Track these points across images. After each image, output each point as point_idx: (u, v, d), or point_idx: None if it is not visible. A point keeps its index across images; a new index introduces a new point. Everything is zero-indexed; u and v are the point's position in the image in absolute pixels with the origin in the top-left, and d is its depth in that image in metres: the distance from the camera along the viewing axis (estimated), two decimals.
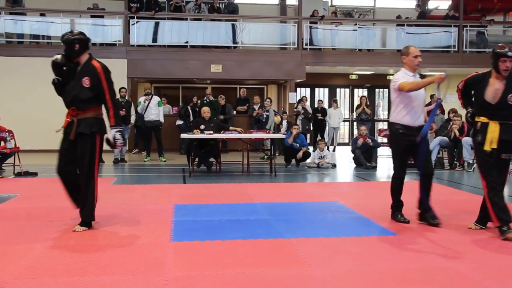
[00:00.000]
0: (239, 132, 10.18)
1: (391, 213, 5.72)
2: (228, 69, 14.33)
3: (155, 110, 11.85)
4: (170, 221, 5.57)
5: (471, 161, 10.84)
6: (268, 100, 13.59)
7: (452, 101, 17.06)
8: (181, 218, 5.73)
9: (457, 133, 11.08)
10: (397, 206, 5.71)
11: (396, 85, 5.33)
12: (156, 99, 12.03)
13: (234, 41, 14.84)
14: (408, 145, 5.42)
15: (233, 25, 14.83)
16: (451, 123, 11.45)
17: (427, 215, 5.49)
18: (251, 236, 4.97)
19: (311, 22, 14.93)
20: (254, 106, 13.54)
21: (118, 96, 11.59)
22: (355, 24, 15.61)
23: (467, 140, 10.84)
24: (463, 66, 15.36)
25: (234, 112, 14.46)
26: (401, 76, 5.43)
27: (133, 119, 11.99)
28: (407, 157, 5.64)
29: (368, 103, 15.13)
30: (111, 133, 5.14)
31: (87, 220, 5.15)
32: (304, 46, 14.63)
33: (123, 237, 4.89)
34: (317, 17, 15.01)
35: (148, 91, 12.05)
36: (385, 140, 15.00)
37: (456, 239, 4.93)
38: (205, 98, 12.87)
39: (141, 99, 12.18)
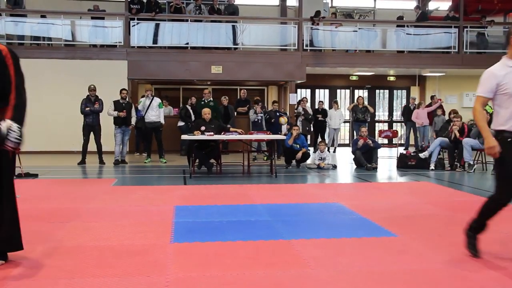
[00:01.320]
0: (240, 134, 10.19)
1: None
2: (229, 70, 14.35)
3: (155, 111, 11.86)
4: (171, 222, 5.57)
5: (471, 162, 10.84)
6: (275, 103, 13.53)
7: (452, 102, 17.12)
8: (182, 220, 5.73)
9: (458, 134, 11.07)
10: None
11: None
12: (157, 100, 12.03)
13: (235, 42, 14.86)
14: None
15: (233, 26, 14.84)
16: (451, 124, 11.44)
17: None
18: (252, 237, 4.97)
19: (311, 24, 14.94)
20: (253, 109, 13.54)
21: (119, 98, 11.67)
22: (356, 26, 15.62)
23: (467, 141, 10.85)
24: (463, 67, 15.38)
25: (235, 113, 14.48)
26: (492, 73, 4.32)
27: (133, 120, 12.00)
28: None
29: (365, 104, 15.08)
30: (2, 125, 3.65)
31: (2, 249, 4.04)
32: (304, 47, 14.63)
33: (124, 238, 4.89)
34: (317, 18, 15.02)
35: (149, 93, 12.05)
36: (385, 141, 15.02)
37: (459, 241, 4.92)
38: (203, 99, 12.86)
39: (142, 99, 12.20)
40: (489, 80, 4.20)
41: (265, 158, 12.69)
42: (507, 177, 4.21)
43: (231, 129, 10.40)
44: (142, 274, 3.82)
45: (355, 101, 15.31)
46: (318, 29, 15.21)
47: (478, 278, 3.81)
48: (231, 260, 4.21)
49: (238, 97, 15.50)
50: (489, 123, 11.24)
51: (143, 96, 12.31)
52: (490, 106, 16.04)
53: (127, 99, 12.01)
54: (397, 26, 15.80)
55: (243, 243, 4.77)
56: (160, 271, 3.90)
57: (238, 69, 14.42)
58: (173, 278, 3.76)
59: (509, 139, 4.12)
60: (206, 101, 12.81)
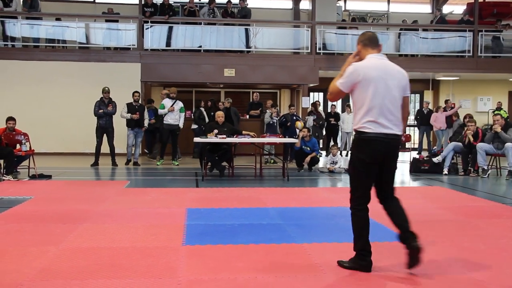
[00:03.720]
0: (252, 137, 10.20)
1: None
2: (241, 73, 14.37)
3: (175, 115, 11.90)
4: (183, 224, 5.58)
5: (485, 167, 10.75)
6: (292, 107, 13.43)
7: (466, 106, 16.99)
8: (194, 222, 5.74)
9: (472, 139, 10.99)
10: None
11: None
12: (179, 104, 12.06)
13: (248, 46, 14.88)
14: None
15: (246, 30, 14.87)
16: (465, 128, 11.36)
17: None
18: (264, 240, 4.96)
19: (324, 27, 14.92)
20: (268, 111, 13.53)
21: (132, 100, 11.73)
22: (370, 29, 15.57)
23: (481, 146, 10.76)
24: (477, 71, 15.28)
25: (247, 116, 14.50)
26: None
27: (146, 122, 12.03)
28: None
29: None
30: None
31: None
32: (317, 51, 14.62)
33: (136, 240, 4.91)
34: (332, 22, 15.02)
35: (173, 95, 12.07)
36: None
37: (472, 247, 4.88)
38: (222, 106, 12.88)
39: (165, 101, 12.16)
40: None
41: (272, 162, 12.66)
42: None
43: (244, 132, 10.41)
44: (154, 276, 3.83)
45: None
46: (330, 32, 15.20)
47: (489, 281, 3.77)
48: (242, 263, 4.21)
49: (251, 100, 15.51)
50: (505, 128, 11.07)
51: (167, 97, 12.24)
52: (505, 111, 15.94)
53: (139, 102, 12.07)
54: (410, 29, 15.73)
55: (255, 246, 4.76)
56: (172, 274, 3.91)
57: (250, 72, 14.43)
58: (184, 280, 3.76)
59: None
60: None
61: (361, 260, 4.02)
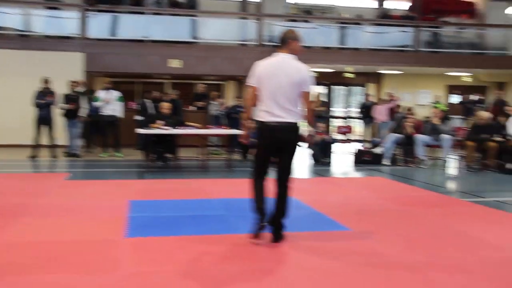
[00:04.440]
0: (197, 128, 10.15)
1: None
2: (188, 64, 14.22)
3: (113, 105, 11.67)
4: (126, 217, 5.51)
5: (424, 158, 11.12)
6: (239, 98, 13.39)
7: (408, 99, 17.46)
8: (137, 214, 5.67)
9: (411, 131, 11.33)
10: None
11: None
12: (115, 93, 11.83)
13: (194, 37, 14.75)
14: None
15: (193, 20, 14.73)
16: (405, 120, 11.69)
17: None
18: (208, 231, 4.97)
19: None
20: (214, 102, 13.47)
21: (69, 91, 11.42)
22: (315, 22, 15.75)
23: (420, 138, 11.12)
24: (418, 65, 15.69)
25: (193, 108, 14.40)
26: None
27: (84, 112, 11.71)
28: None
29: (324, 100, 15.34)
30: None
31: None
32: (265, 43, 14.65)
33: (76, 234, 4.82)
34: (279, 14, 15.10)
35: (108, 86, 11.83)
36: (342, 136, 15.22)
37: (408, 234, 5.05)
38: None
39: (100, 93, 11.91)
40: None
41: (217, 153, 12.65)
42: None
43: (189, 123, 10.35)
44: (95, 270, 3.77)
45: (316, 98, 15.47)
46: (278, 25, 15.26)
47: (428, 271, 3.91)
48: (186, 254, 4.20)
49: (196, 92, 15.40)
50: (444, 119, 11.43)
51: (103, 89, 12.00)
52: (443, 104, 16.43)
53: (79, 91, 11.72)
54: (356, 23, 15.98)
55: (199, 237, 4.77)
56: (114, 267, 3.86)
57: (197, 64, 14.31)
58: (127, 273, 3.73)
59: None
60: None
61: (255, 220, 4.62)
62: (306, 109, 4.60)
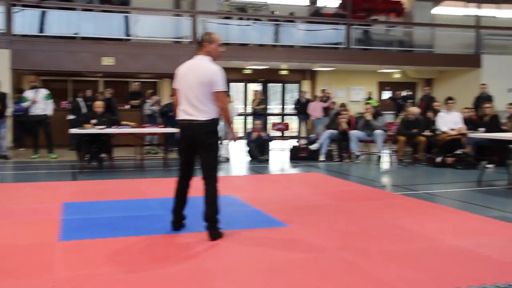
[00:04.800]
0: (132, 127, 9.98)
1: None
2: (121, 62, 13.92)
3: (41, 103, 11.27)
4: (59, 220, 5.35)
5: (358, 153, 11.40)
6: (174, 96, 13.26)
7: (341, 95, 17.84)
8: (71, 217, 5.51)
9: (345, 127, 11.59)
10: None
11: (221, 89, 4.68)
12: (43, 92, 11.43)
13: (127, 34, 14.46)
14: None
15: (125, 17, 14.44)
16: (339, 117, 11.94)
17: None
18: (145, 232, 4.90)
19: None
20: (149, 100, 13.27)
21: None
22: (248, 19, 15.79)
23: (354, 133, 11.39)
24: (350, 62, 16.03)
25: (127, 106, 14.16)
26: (222, 73, 4.74)
27: (9, 111, 11.24)
28: None
29: (262, 98, 15.48)
30: None
31: None
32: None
33: (7, 239, 4.63)
34: (213, 11, 15.06)
35: (35, 85, 11.40)
36: (278, 133, 15.37)
37: (344, 228, 5.16)
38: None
39: (27, 93, 11.47)
40: None
41: (154, 152, 12.49)
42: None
43: (123, 122, 10.15)
44: (27, 275, 3.64)
45: (253, 95, 15.56)
46: (212, 22, 15.21)
47: (364, 264, 4.01)
48: (123, 256, 4.13)
49: (131, 90, 15.12)
50: (376, 114, 11.73)
51: (30, 88, 11.56)
52: (375, 100, 16.85)
53: (3, 91, 11.24)
54: (289, 21, 16.15)
55: (136, 238, 4.69)
56: (47, 271, 3.74)
57: (130, 61, 14.03)
58: (61, 277, 3.61)
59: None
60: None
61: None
62: (220, 108, 4.73)
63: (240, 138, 4.52)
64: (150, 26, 14.64)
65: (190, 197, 4.96)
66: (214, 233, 4.64)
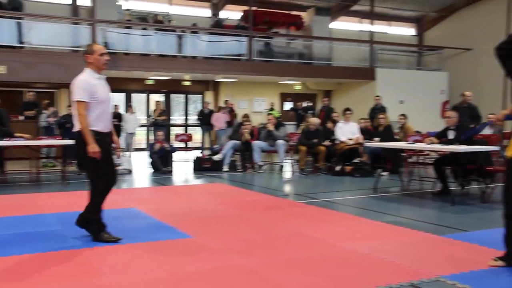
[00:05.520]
0: (27, 139, 9.49)
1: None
2: (14, 70, 13.21)
3: None
4: None
5: (261, 163, 11.58)
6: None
7: (244, 106, 18.07)
8: None
9: (248, 137, 11.74)
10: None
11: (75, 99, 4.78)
12: None
13: (20, 41, 13.77)
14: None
15: (18, 23, 13.75)
16: (242, 127, 12.07)
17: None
18: (41, 249, 4.66)
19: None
20: (45, 112, 12.69)
21: None
22: (151, 29, 15.59)
23: (257, 144, 11.56)
24: (252, 73, 16.28)
25: (21, 117, 13.46)
26: (83, 83, 4.80)
27: None
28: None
29: (164, 109, 15.35)
30: None
31: None
32: None
33: None
34: (113, 20, 14.73)
35: None
36: (181, 144, 15.26)
37: (247, 237, 5.21)
38: None
39: None
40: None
41: (51, 165, 11.96)
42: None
43: (17, 134, 9.62)
44: None
45: (155, 105, 15.37)
46: (113, 31, 14.86)
47: (265, 271, 4.06)
48: (17, 275, 3.90)
49: (25, 100, 14.39)
50: (278, 125, 11.97)
51: None
52: (277, 111, 17.15)
53: None
54: (192, 32, 16.14)
55: (31, 256, 4.45)
56: None
57: (24, 70, 13.36)
58: None
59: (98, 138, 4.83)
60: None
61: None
62: (77, 118, 4.80)
63: (97, 152, 4.35)
64: (46, 34, 14.05)
65: (77, 212, 4.88)
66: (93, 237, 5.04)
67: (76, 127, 4.81)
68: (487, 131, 12.27)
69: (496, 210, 6.69)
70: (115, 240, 4.97)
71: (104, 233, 5.02)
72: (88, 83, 4.78)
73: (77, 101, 4.73)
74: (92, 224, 5.05)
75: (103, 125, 4.92)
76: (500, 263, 4.20)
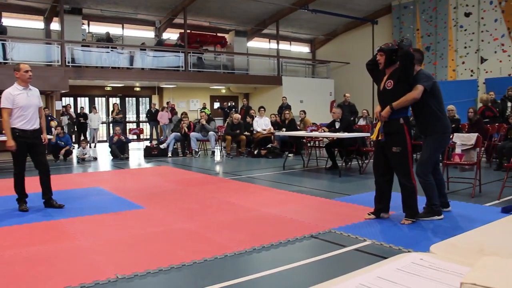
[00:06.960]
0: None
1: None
2: (0, 81, 12.42)
3: None
4: None
5: (197, 150, 11.61)
6: (46, 109, 12.13)
7: (182, 106, 17.92)
8: None
9: (186, 130, 11.73)
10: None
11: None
12: None
13: (5, 58, 12.95)
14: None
15: (3, 44, 12.92)
16: (181, 122, 12.04)
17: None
18: (27, 221, 4.58)
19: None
20: None
21: None
22: (108, 47, 15.12)
23: (193, 135, 11.58)
24: (188, 81, 16.20)
25: None
26: (7, 94, 5.02)
27: None
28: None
29: (120, 109, 15.02)
30: None
31: None
32: (67, 64, 13.58)
33: None
34: (78, 41, 14.14)
35: None
36: (134, 137, 14.98)
37: (188, 207, 5.31)
38: None
39: None
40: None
41: None
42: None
43: None
44: None
45: (112, 107, 14.95)
46: (78, 49, 14.27)
47: (204, 232, 4.19)
48: (8, 242, 3.83)
49: None
50: (209, 120, 11.84)
51: None
52: (208, 109, 16.96)
53: None
54: (141, 49, 15.77)
55: (19, 226, 4.36)
56: None
57: (8, 80, 12.44)
58: None
59: (17, 133, 4.98)
60: None
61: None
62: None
63: (12, 146, 4.53)
64: (24, 52, 13.29)
65: (67, 190, 4.73)
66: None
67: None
68: (362, 122, 12.93)
69: (369, 179, 7.00)
70: (24, 210, 5.07)
71: (21, 204, 5.15)
72: (11, 94, 5.00)
73: (2, 108, 4.95)
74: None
75: (23, 124, 5.01)
76: (372, 216, 4.49)
